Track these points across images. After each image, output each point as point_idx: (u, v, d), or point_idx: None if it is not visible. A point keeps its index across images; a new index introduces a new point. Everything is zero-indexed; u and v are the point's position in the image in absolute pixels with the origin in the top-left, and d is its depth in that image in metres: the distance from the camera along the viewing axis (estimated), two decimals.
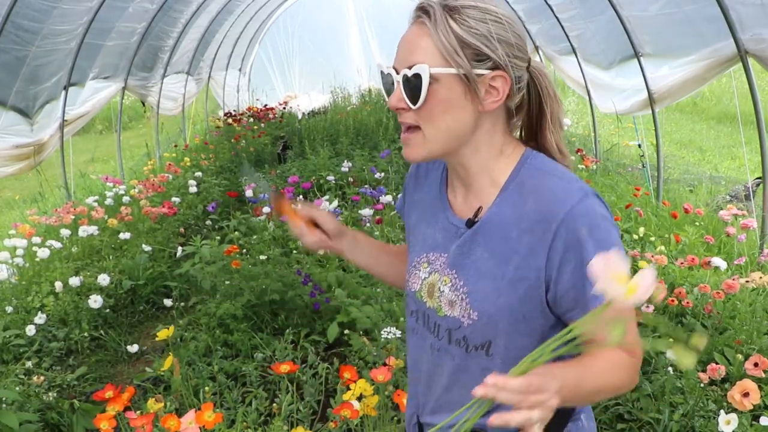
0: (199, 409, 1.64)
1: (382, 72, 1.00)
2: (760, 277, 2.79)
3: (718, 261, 3.01)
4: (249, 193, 4.59)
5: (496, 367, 0.98)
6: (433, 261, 1.07)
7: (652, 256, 3.13)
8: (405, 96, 0.95)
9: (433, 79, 0.93)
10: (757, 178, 4.86)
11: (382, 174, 5.59)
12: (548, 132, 1.02)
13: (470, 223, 1.01)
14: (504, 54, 0.93)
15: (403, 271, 1.22)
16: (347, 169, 5.62)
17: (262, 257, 3.75)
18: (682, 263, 3.02)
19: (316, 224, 1.21)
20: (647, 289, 0.69)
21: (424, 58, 0.92)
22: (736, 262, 3.33)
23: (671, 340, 0.72)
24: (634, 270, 0.75)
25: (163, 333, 2.20)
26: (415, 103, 0.94)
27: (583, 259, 0.90)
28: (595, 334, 0.89)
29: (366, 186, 5.25)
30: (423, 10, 0.94)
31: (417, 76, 0.93)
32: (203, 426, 1.60)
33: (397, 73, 0.96)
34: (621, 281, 0.69)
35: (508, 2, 7.32)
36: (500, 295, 0.97)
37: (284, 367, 1.87)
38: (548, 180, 0.97)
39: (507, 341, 0.98)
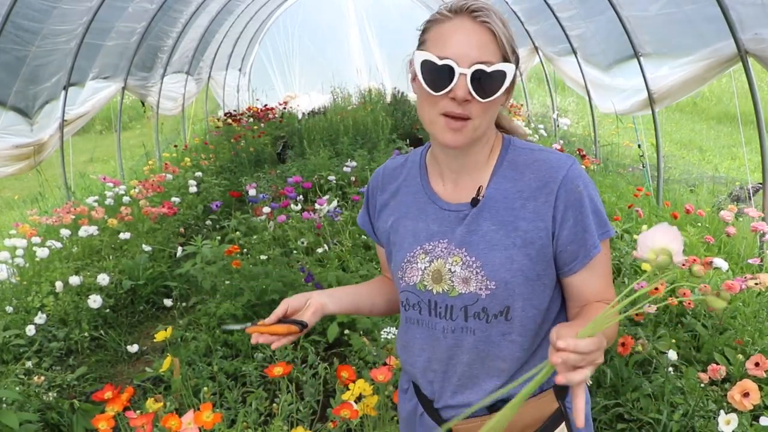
0: (199, 409, 1.63)
1: (430, 62, 0.99)
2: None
3: (720, 261, 3.00)
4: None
5: (515, 329, 1.07)
6: (431, 250, 1.11)
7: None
8: (472, 89, 0.98)
9: (506, 76, 1.00)
10: (758, 184, 4.86)
11: None
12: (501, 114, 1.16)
13: (475, 202, 1.08)
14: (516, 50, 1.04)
15: (390, 294, 1.32)
16: (350, 169, 5.62)
17: (263, 257, 3.75)
18: (684, 264, 3.01)
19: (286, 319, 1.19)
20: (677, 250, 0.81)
21: (499, 57, 1.00)
22: (750, 261, 3.31)
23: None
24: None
25: (161, 335, 2.19)
26: (486, 97, 0.99)
27: (581, 214, 1.04)
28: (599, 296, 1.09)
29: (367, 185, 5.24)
30: (479, 10, 0.99)
31: (499, 73, 0.99)
32: (202, 426, 1.59)
33: (459, 66, 0.97)
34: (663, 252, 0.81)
35: (507, 2, 7.31)
36: (513, 261, 1.04)
37: (277, 369, 1.84)
38: (537, 154, 1.09)
39: (524, 303, 1.06)
